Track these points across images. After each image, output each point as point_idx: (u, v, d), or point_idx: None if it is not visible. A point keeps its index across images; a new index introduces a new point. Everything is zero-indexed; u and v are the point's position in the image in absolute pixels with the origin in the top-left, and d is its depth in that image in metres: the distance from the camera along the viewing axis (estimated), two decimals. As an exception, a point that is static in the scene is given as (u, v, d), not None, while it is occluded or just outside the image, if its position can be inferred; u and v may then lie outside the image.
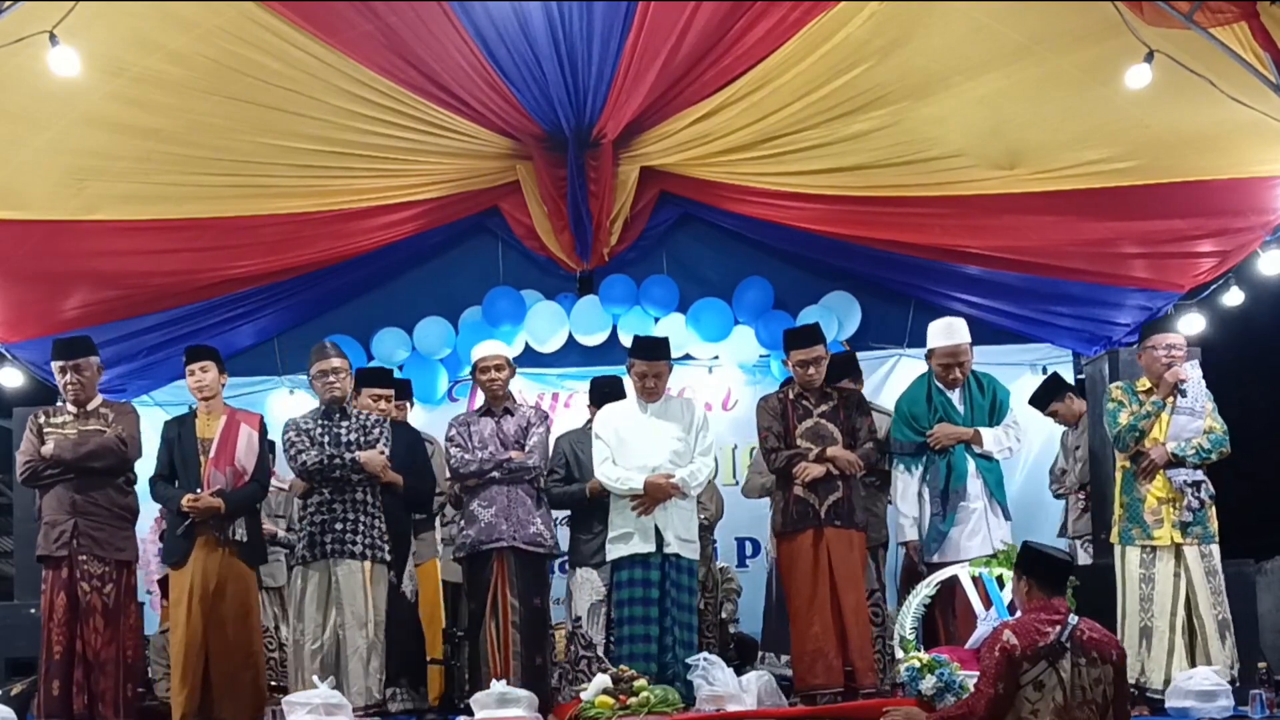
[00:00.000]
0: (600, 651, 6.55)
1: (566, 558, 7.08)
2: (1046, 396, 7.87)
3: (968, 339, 6.67)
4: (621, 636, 6.28)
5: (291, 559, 7.79)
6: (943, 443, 6.51)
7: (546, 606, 6.65)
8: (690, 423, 6.45)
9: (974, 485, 6.49)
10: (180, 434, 6.40)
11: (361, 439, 6.32)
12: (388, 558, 6.34)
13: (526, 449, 6.48)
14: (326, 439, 6.29)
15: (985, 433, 6.54)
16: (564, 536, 7.10)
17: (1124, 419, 6.26)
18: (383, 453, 6.30)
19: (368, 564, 6.22)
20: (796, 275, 9.40)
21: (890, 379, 9.17)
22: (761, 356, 9.37)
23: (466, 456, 6.48)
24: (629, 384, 7.10)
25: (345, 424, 6.36)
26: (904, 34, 7.19)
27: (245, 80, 7.38)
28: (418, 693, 6.63)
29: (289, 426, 6.40)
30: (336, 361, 6.42)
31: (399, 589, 6.58)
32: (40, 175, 7.65)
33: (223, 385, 6.51)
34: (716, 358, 9.46)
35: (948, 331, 6.67)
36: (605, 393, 6.98)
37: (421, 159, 8.44)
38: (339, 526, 6.21)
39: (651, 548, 6.25)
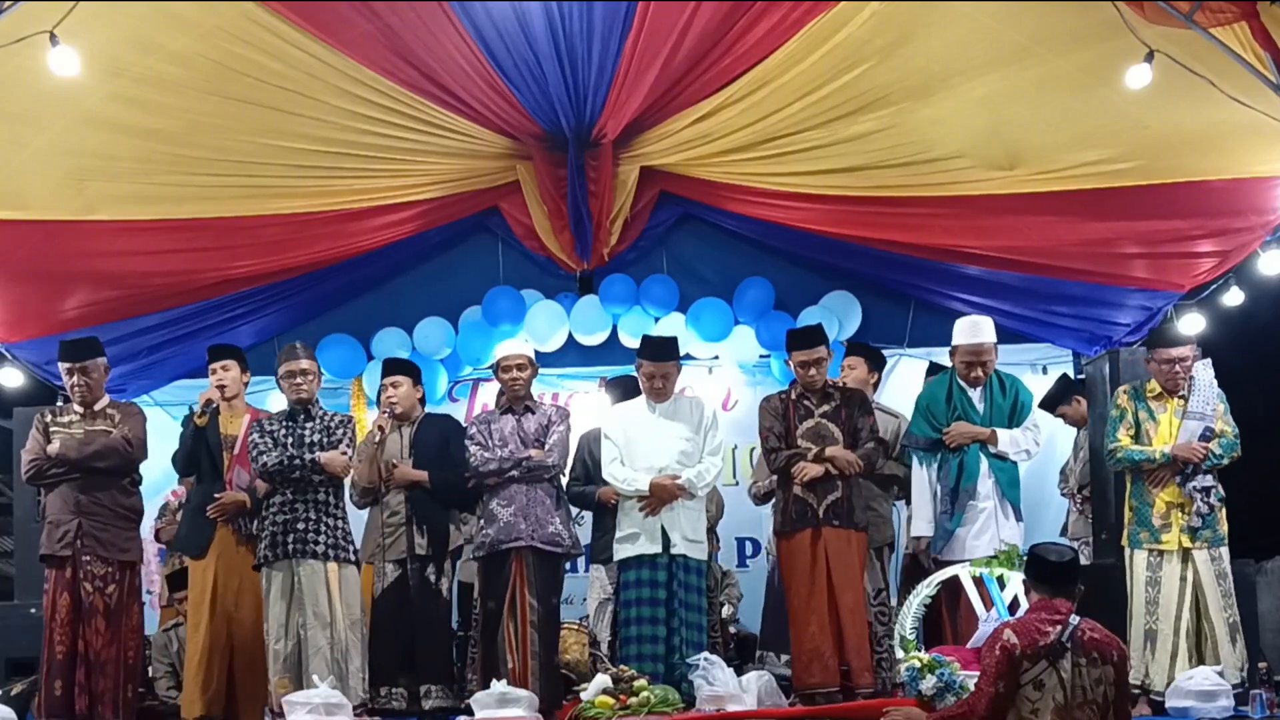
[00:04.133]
0: (605, 649, 6.55)
1: (585, 556, 7.09)
2: (1056, 398, 7.88)
3: (992, 338, 6.66)
4: (629, 637, 6.28)
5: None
6: (958, 441, 6.51)
7: (560, 606, 6.62)
8: (699, 422, 6.45)
9: (985, 485, 6.48)
10: (202, 428, 6.40)
11: (325, 439, 6.29)
12: (353, 558, 6.32)
13: (546, 447, 6.44)
14: (290, 439, 6.28)
15: (1002, 434, 6.53)
16: (585, 535, 7.12)
17: (1123, 437, 6.27)
18: (345, 453, 6.28)
19: (332, 565, 6.20)
20: (797, 275, 9.40)
21: (890, 379, 9.17)
22: (762, 357, 9.37)
23: (486, 455, 6.45)
24: None
25: (309, 425, 6.34)
26: (904, 34, 7.20)
27: (245, 80, 7.38)
28: (451, 691, 6.61)
29: (254, 428, 6.39)
30: (305, 364, 6.40)
31: (435, 587, 6.55)
32: (40, 176, 7.65)
33: (245, 384, 6.52)
34: (716, 358, 9.46)
35: (972, 330, 6.66)
36: (625, 389, 6.99)
37: (421, 159, 8.44)
38: (300, 526, 6.19)
39: (658, 548, 6.26)
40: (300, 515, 6.21)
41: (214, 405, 6.38)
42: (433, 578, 6.53)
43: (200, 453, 6.37)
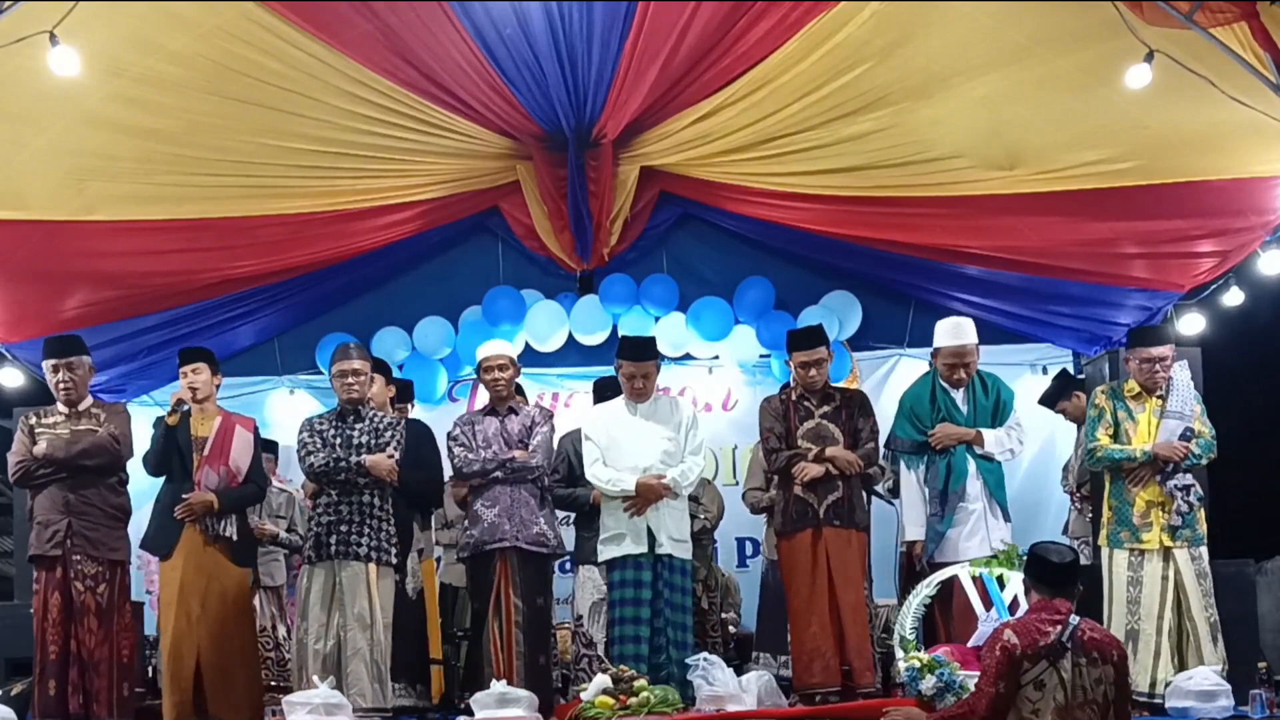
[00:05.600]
0: (601, 650, 6.56)
1: (570, 557, 7.09)
2: (1056, 394, 7.88)
3: (974, 340, 6.65)
4: (614, 637, 6.28)
5: (291, 559, 7.82)
6: (943, 443, 6.49)
7: (549, 606, 6.65)
8: (680, 422, 6.45)
9: (974, 486, 6.47)
10: (174, 428, 6.40)
11: (373, 441, 6.32)
12: (394, 560, 6.35)
13: (530, 448, 6.45)
14: (338, 440, 6.31)
15: (987, 434, 6.52)
16: (569, 535, 7.12)
17: (1102, 436, 6.26)
18: (392, 456, 6.31)
19: (373, 566, 6.23)
20: (797, 275, 9.41)
21: (890, 379, 9.18)
22: (762, 356, 9.38)
23: (470, 456, 6.46)
24: None
25: (359, 426, 6.37)
26: (904, 35, 7.19)
27: (245, 80, 7.38)
28: (416, 690, 6.63)
29: (303, 426, 6.42)
30: (357, 364, 6.41)
31: (400, 585, 6.58)
32: (40, 176, 7.65)
33: (216, 386, 6.51)
34: (717, 357, 9.47)
35: (955, 331, 6.66)
36: (608, 396, 6.98)
37: (421, 159, 8.44)
38: (344, 528, 6.22)
39: (644, 549, 6.26)
40: (344, 517, 6.23)
41: (186, 406, 6.36)
42: (398, 577, 6.54)
43: (171, 453, 6.36)
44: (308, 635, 6.19)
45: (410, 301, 9.49)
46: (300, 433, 6.40)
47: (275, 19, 7.07)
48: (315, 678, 5.92)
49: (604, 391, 7.09)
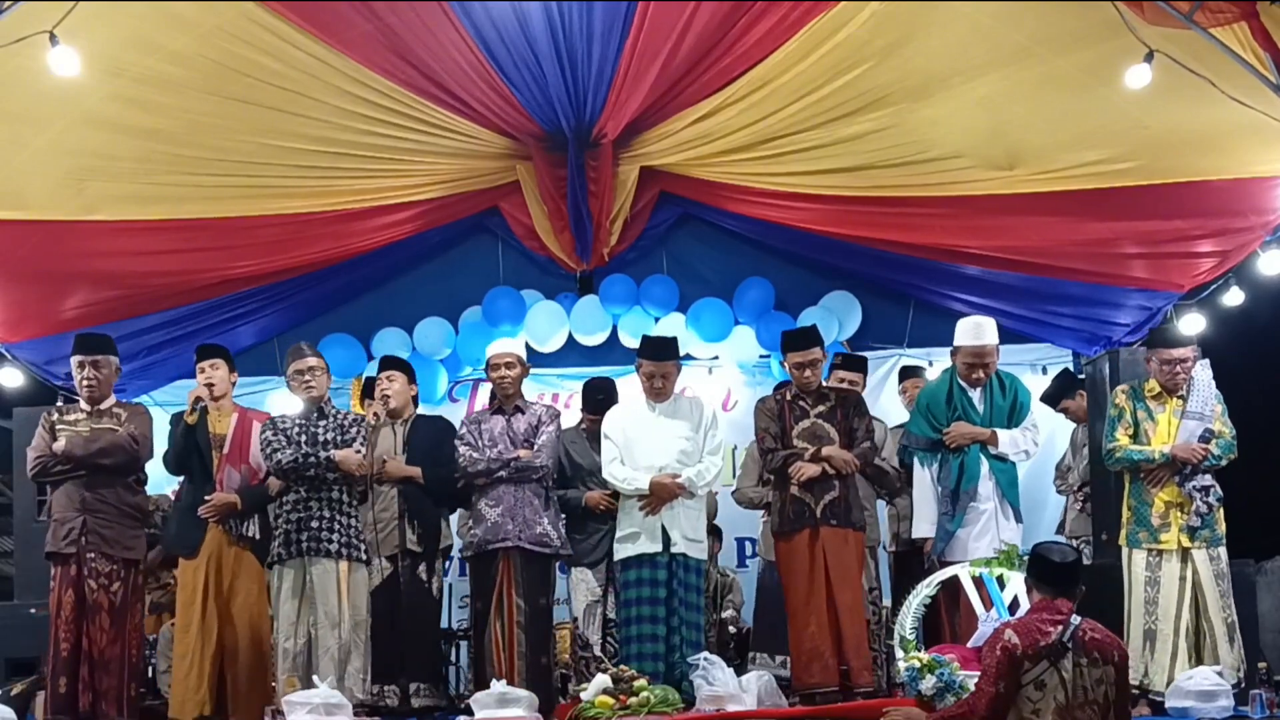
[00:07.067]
0: (597, 651, 6.55)
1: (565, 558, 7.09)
2: (1059, 393, 7.87)
3: (994, 340, 6.62)
4: (629, 636, 6.28)
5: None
6: (958, 441, 6.48)
7: (551, 607, 6.63)
8: (699, 422, 6.45)
9: (986, 486, 6.45)
10: (192, 427, 6.41)
11: (339, 438, 6.30)
12: (364, 556, 6.33)
13: (535, 448, 6.42)
14: (304, 438, 6.28)
15: (1002, 434, 6.51)
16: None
17: (1121, 437, 6.26)
18: (359, 451, 6.28)
19: (344, 563, 6.21)
20: (797, 275, 9.41)
21: (890, 379, 9.17)
22: (761, 357, 9.38)
23: (475, 455, 6.44)
24: (623, 386, 7.12)
25: (323, 423, 6.34)
26: (904, 35, 7.20)
27: (245, 81, 7.38)
28: (439, 690, 6.61)
29: (266, 426, 6.39)
30: (312, 361, 6.40)
31: (426, 585, 6.57)
32: (40, 176, 7.65)
33: (233, 384, 6.53)
34: (716, 358, 9.46)
35: (976, 331, 6.63)
36: (599, 399, 6.97)
37: (421, 159, 8.45)
38: (314, 525, 6.19)
39: (659, 548, 6.26)
40: (314, 513, 6.21)
41: (203, 404, 6.37)
42: (424, 575, 6.55)
43: (191, 452, 6.37)
44: (278, 634, 6.18)
45: (410, 301, 9.48)
46: (264, 432, 6.36)
47: (275, 19, 7.08)
48: (315, 677, 5.92)
49: (595, 394, 7.07)
